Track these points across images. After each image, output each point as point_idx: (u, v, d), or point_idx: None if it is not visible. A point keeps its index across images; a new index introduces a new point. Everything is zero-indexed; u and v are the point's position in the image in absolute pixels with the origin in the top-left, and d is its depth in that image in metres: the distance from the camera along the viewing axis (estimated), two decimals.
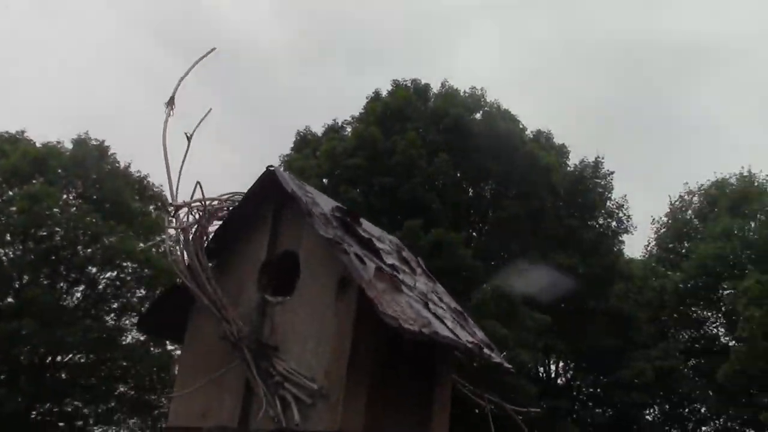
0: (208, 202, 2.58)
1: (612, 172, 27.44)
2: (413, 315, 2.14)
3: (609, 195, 27.75)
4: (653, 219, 30.28)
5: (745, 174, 29.25)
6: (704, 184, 29.94)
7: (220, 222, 2.59)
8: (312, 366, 2.20)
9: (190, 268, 2.43)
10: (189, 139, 2.73)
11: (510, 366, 2.44)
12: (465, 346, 2.20)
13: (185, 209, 2.51)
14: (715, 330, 27.41)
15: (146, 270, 22.45)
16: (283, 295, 2.41)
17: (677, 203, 29.78)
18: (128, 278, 23.26)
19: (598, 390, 25.16)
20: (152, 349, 23.06)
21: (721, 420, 25.62)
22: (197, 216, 2.52)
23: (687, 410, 26.27)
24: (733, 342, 24.30)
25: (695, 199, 29.76)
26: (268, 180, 2.46)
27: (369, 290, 2.07)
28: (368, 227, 2.55)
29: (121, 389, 23.77)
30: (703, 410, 25.93)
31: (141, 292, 23.23)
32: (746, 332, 21.97)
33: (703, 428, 26.19)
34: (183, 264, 2.43)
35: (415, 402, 2.33)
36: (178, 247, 2.45)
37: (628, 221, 27.16)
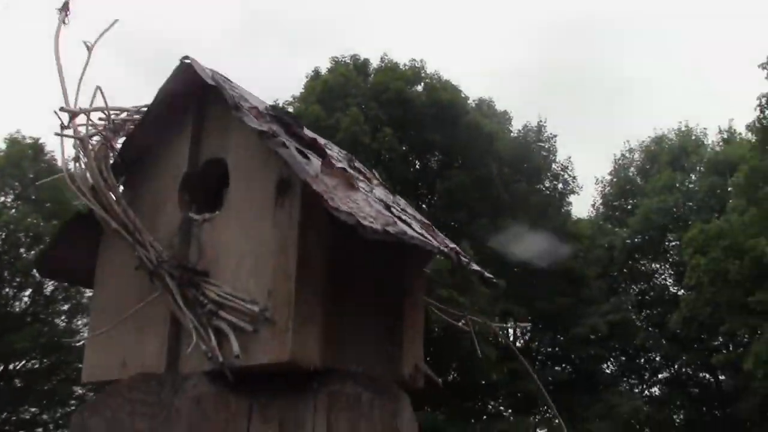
0: (113, 114, 2.12)
1: (555, 135, 27.63)
2: (373, 213, 1.75)
3: (553, 158, 27.99)
4: (597, 179, 30.71)
5: (683, 129, 29.85)
6: (644, 141, 30.46)
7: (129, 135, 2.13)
8: (251, 288, 1.78)
9: (93, 188, 1.98)
10: (90, 49, 2.27)
11: (491, 276, 2.08)
12: (440, 249, 1.82)
13: (84, 119, 2.05)
14: (664, 281, 28.06)
15: None
16: (210, 210, 1.98)
17: (620, 161, 30.24)
18: None
19: (556, 349, 25.47)
20: None
21: (676, 366, 26.30)
22: (100, 128, 2.07)
23: (642, 360, 26.89)
24: (682, 291, 24.86)
25: (636, 156, 30.27)
26: (184, 76, 2.02)
27: (315, 185, 1.66)
28: (310, 133, 2.14)
29: (80, 391, 23.24)
30: (657, 359, 26.56)
31: (91, 291, 22.41)
32: (693, 280, 22.51)
33: (659, 376, 26.85)
34: (85, 182, 1.97)
35: (381, 320, 1.94)
36: (76, 164, 1.99)
37: (573, 182, 27.49)
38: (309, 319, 1.74)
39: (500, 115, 27.63)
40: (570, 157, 27.62)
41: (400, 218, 1.88)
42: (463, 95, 26.54)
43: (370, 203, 1.82)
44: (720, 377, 25.15)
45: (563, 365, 25.24)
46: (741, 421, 23.35)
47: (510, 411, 24.45)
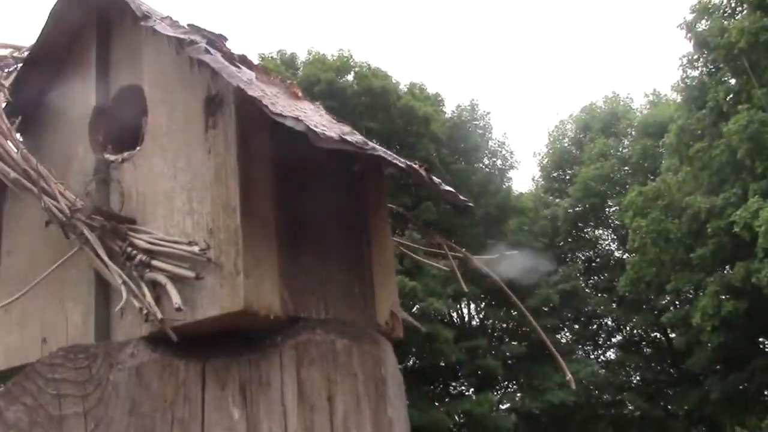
0: (3, 51, 1.77)
1: (488, 113, 27.79)
2: (325, 123, 1.46)
3: (489, 135, 28.10)
4: (535, 153, 31.08)
5: (611, 96, 30.42)
6: (574, 113, 30.95)
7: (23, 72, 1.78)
8: (188, 230, 1.47)
9: None
10: None
11: (466, 199, 1.82)
12: (408, 163, 1.54)
13: None
14: (608, 246, 28.57)
15: None
16: (129, 148, 1.65)
17: (554, 133, 30.66)
18: None
19: (511, 324, 25.60)
20: None
21: (628, 328, 26.81)
22: None
23: (595, 326, 27.31)
24: (626, 254, 25.34)
25: (569, 127, 30.69)
26: None
27: (251, 90, 1.37)
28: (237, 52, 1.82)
29: None
30: (609, 323, 27.02)
31: None
32: (636, 243, 22.90)
33: (613, 340, 27.35)
34: None
35: (345, 258, 1.66)
36: None
37: (511, 157, 27.69)
38: (262, 259, 1.44)
39: (432, 98, 27.60)
40: (506, 133, 27.86)
41: (355, 134, 1.60)
42: (394, 81, 26.39)
43: (320, 114, 1.54)
44: (671, 335, 25.76)
45: (519, 339, 25.42)
46: (694, 375, 23.98)
47: (472, 390, 24.49)
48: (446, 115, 27.22)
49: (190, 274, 1.40)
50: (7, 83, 1.73)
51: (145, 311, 1.40)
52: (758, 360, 21.76)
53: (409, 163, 1.57)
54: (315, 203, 1.63)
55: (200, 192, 1.48)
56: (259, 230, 1.45)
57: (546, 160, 30.36)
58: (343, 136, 1.40)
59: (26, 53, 1.81)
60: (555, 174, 29.94)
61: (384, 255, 1.80)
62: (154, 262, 1.46)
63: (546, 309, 24.82)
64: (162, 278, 1.43)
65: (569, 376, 2.01)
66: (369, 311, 1.70)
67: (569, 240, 27.76)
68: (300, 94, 1.58)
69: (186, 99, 1.55)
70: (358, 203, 1.78)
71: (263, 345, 1.45)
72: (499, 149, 27.48)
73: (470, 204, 1.85)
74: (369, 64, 26.61)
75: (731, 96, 20.09)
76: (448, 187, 1.73)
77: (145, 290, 1.43)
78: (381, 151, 1.49)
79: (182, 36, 1.51)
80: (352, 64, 26.66)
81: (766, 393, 23.28)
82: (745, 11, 19.44)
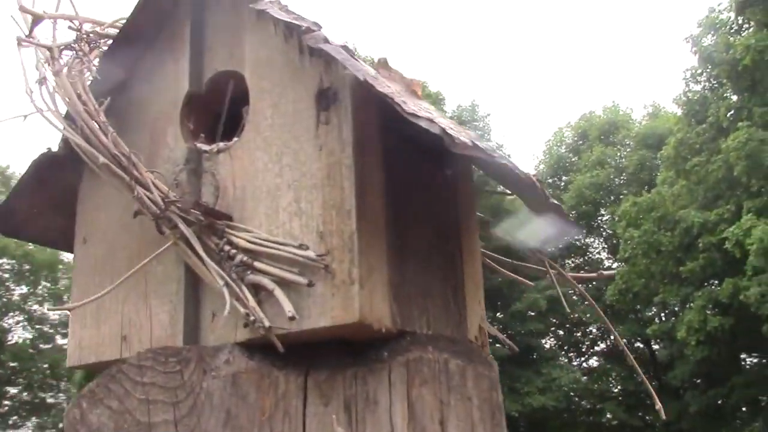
0: (87, 26, 1.66)
1: (488, 115, 27.77)
2: (453, 126, 1.37)
3: (488, 137, 28.10)
4: (533, 155, 31.09)
5: (610, 106, 30.47)
6: (571, 121, 31.00)
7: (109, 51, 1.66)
8: (295, 232, 1.37)
9: (68, 116, 1.51)
10: None
11: (566, 213, 1.73)
12: (526, 173, 1.45)
13: (50, 27, 1.57)
14: (599, 254, 28.65)
15: (25, 265, 21.59)
16: (225, 139, 1.54)
17: (551, 139, 30.69)
18: (5, 275, 22.08)
19: (497, 326, 25.60)
20: (41, 346, 22.27)
21: (612, 338, 26.89)
22: (73, 39, 1.60)
23: (580, 333, 27.40)
24: (616, 264, 25.41)
25: (567, 134, 30.71)
26: None
27: (379, 86, 1.26)
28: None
29: (13, 391, 22.62)
30: (594, 331, 27.12)
31: (22, 288, 22.34)
32: (627, 253, 22.96)
33: (596, 348, 27.48)
34: (54, 107, 1.51)
35: (441, 268, 1.56)
36: (42, 87, 1.52)
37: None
38: (375, 268, 1.34)
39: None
40: (505, 136, 27.84)
41: (483, 140, 1.51)
42: None
43: (443, 115, 1.44)
44: (654, 347, 25.89)
45: (502, 343, 25.46)
46: (675, 388, 24.13)
47: None
48: (447, 115, 27.20)
49: (302, 280, 1.30)
50: (94, 60, 1.61)
51: (251, 317, 1.29)
52: (739, 377, 21.92)
53: (526, 173, 1.48)
54: (416, 208, 1.54)
55: (309, 192, 1.37)
56: (373, 236, 1.35)
57: (542, 165, 30.38)
58: (474, 142, 1.30)
59: (109, 29, 1.70)
60: (550, 180, 29.95)
61: (474, 264, 1.71)
62: (257, 264, 1.35)
63: (533, 313, 24.86)
64: (269, 282, 1.32)
65: (659, 405, 1.93)
66: (462, 326, 1.61)
67: (559, 246, 27.84)
68: (419, 92, 1.48)
69: (295, 90, 1.44)
70: (451, 209, 1.69)
71: (368, 358, 1.36)
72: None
73: (573, 221, 1.76)
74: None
75: (732, 112, 20.16)
76: (555, 201, 1.64)
77: (248, 294, 1.33)
78: (506, 160, 1.40)
79: (295, 22, 1.40)
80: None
81: (743, 409, 23.46)
82: (752, 28, 19.47)
